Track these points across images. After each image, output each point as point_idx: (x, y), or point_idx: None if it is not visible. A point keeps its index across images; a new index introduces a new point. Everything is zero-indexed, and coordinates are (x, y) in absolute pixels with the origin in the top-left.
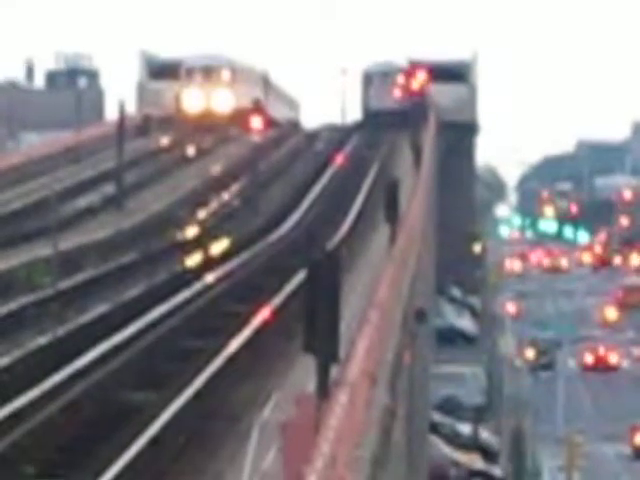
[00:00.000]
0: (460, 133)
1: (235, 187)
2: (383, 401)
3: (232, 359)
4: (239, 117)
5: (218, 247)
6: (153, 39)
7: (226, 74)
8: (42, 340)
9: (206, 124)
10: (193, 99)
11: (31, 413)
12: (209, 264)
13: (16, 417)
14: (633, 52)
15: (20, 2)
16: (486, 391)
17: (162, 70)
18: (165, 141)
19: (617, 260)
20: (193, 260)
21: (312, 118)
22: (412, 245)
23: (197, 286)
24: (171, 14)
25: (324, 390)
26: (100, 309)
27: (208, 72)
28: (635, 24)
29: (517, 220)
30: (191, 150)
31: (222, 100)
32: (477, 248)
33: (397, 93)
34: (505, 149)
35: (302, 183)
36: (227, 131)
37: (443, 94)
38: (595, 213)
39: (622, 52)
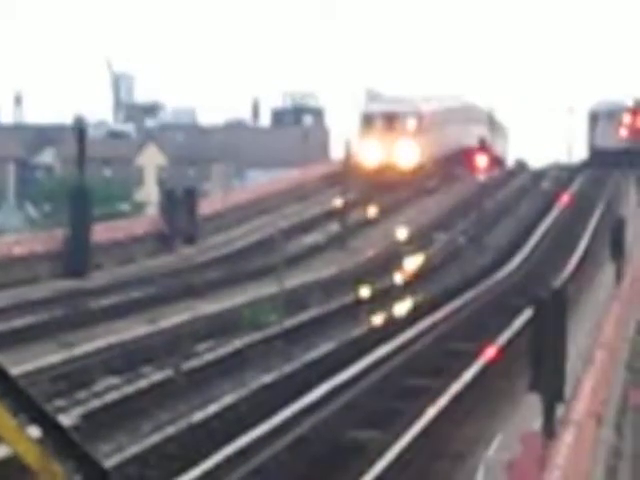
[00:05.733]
0: None
1: (461, 226)
2: (609, 440)
3: (457, 398)
4: (463, 156)
5: (444, 285)
6: (379, 77)
7: (411, 123)
8: (267, 378)
9: (385, 181)
10: (371, 151)
11: (258, 450)
12: (434, 303)
13: (243, 455)
14: None
15: (247, 43)
16: None
17: None
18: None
19: None
20: (418, 299)
21: (539, 156)
22: (638, 283)
23: (422, 324)
24: (398, 51)
25: (550, 429)
26: (325, 347)
27: (390, 119)
28: None
29: None
30: (372, 211)
31: (405, 153)
32: None
33: (623, 132)
34: None
35: (528, 222)
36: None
37: None
38: None
39: None
